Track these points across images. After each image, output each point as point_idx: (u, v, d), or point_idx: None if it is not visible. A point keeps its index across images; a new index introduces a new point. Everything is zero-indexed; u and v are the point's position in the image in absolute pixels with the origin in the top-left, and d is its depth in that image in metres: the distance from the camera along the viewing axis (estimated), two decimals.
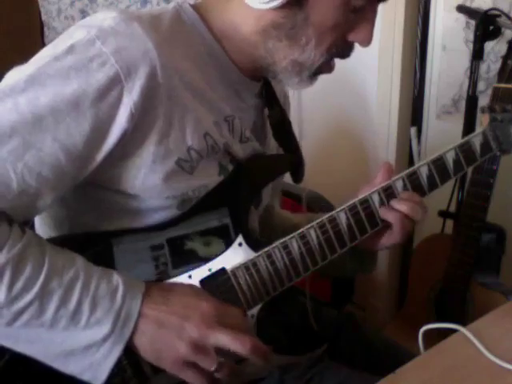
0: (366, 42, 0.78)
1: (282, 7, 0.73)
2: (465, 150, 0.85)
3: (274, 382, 0.84)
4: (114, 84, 0.68)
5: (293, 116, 0.95)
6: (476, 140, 0.86)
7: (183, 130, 0.74)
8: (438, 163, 0.84)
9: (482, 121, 0.88)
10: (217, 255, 0.78)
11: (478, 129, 0.88)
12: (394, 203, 0.82)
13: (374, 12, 0.77)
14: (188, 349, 0.68)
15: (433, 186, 0.84)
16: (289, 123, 0.93)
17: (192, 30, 0.78)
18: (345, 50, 0.80)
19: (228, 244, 0.78)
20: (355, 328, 1.03)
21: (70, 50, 0.68)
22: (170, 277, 0.77)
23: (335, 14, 0.74)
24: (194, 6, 0.80)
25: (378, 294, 2.05)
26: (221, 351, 0.69)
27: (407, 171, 0.83)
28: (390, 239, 0.85)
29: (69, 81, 0.67)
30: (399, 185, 0.82)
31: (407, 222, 0.82)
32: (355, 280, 1.84)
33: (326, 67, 0.80)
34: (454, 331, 0.81)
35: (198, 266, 0.77)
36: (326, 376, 0.85)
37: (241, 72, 0.82)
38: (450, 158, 0.84)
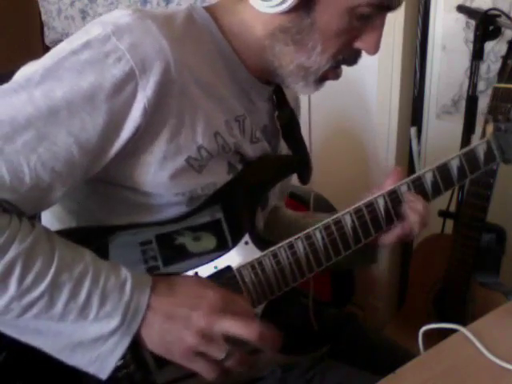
0: (372, 50, 0.78)
1: (289, 12, 0.74)
2: (469, 157, 0.86)
3: (276, 381, 0.84)
4: (129, 79, 0.69)
5: (303, 119, 0.95)
6: (480, 149, 0.87)
7: (194, 127, 0.75)
8: (443, 170, 0.85)
9: (486, 130, 0.89)
10: (209, 251, 0.78)
11: (480, 134, 0.89)
12: (415, 204, 0.83)
13: (382, 20, 0.77)
14: (196, 338, 0.68)
15: (436, 192, 0.85)
16: (297, 125, 0.93)
17: (203, 28, 0.79)
18: (351, 58, 0.80)
19: (220, 239, 0.79)
20: (356, 328, 1.04)
21: (87, 45, 0.69)
22: (161, 272, 0.77)
23: (341, 21, 0.74)
24: (206, 8, 0.81)
25: (377, 293, 2.05)
26: (230, 340, 0.69)
27: (412, 177, 0.84)
28: (393, 235, 0.85)
29: (84, 75, 0.68)
30: (404, 190, 0.83)
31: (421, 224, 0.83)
32: (355, 280, 1.85)
33: (333, 74, 0.81)
34: (454, 331, 0.81)
35: (202, 264, 0.78)
36: (327, 375, 0.85)
37: (250, 73, 0.82)
38: (454, 165, 0.85)
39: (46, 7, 2.89)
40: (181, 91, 0.73)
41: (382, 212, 0.82)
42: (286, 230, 0.99)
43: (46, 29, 2.95)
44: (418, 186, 0.84)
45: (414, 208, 0.83)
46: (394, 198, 0.83)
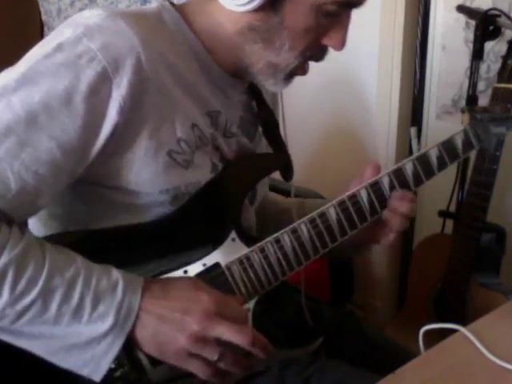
0: (339, 46, 0.79)
1: (257, 10, 0.75)
2: (447, 147, 0.88)
3: (274, 378, 0.84)
4: (103, 79, 0.69)
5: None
6: (458, 137, 0.89)
7: (173, 122, 0.76)
8: (422, 160, 0.87)
9: (463, 119, 0.92)
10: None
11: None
12: (396, 205, 0.83)
13: (348, 17, 0.79)
14: (189, 341, 0.69)
15: (418, 181, 0.87)
16: (276, 124, 0.94)
17: (174, 29, 0.79)
18: (319, 54, 0.81)
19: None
20: (355, 327, 1.04)
21: (59, 48, 0.69)
22: None
23: (308, 19, 0.75)
24: (176, 7, 0.81)
25: (377, 293, 2.05)
26: (223, 342, 0.70)
27: (393, 168, 0.86)
28: (385, 237, 0.87)
29: (59, 77, 0.68)
30: (385, 181, 0.85)
31: (405, 222, 0.85)
32: (355, 280, 1.85)
33: (300, 69, 0.82)
34: (454, 331, 0.81)
35: (193, 262, 0.78)
36: (325, 373, 0.85)
37: (224, 71, 0.83)
38: (433, 154, 0.87)
39: (46, 7, 2.89)
40: (157, 88, 0.73)
41: (366, 204, 0.84)
42: (268, 213, 1.01)
43: (45, 29, 2.95)
44: (399, 177, 0.85)
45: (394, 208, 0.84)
46: (376, 189, 0.84)
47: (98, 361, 0.68)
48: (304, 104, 1.97)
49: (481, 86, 1.53)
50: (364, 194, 0.84)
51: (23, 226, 0.72)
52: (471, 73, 1.42)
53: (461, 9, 1.45)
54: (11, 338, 0.68)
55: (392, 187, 0.85)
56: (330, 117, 2.02)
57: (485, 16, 1.34)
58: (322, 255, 0.84)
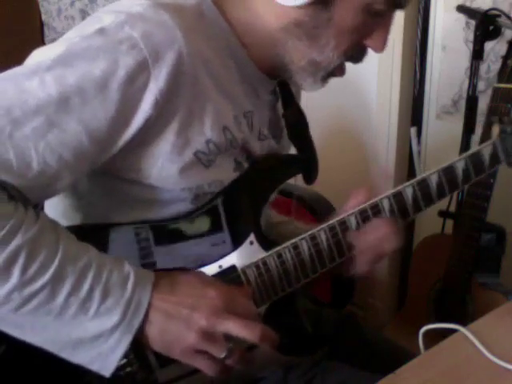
0: (380, 48, 0.78)
1: (307, 6, 0.73)
2: (474, 160, 0.85)
3: (277, 381, 0.84)
4: (142, 69, 0.68)
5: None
6: (485, 151, 0.86)
7: (203, 120, 0.74)
8: (448, 172, 0.84)
9: (492, 132, 0.89)
10: (203, 234, 0.77)
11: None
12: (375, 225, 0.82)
13: (391, 19, 0.78)
14: (197, 338, 0.68)
15: (441, 194, 0.85)
16: (306, 124, 0.92)
17: (212, 23, 0.77)
18: (359, 54, 0.80)
19: (214, 222, 0.78)
20: (355, 328, 1.03)
21: (100, 31, 0.68)
22: (153, 254, 0.76)
23: (357, 17, 0.74)
24: (215, 1, 0.79)
25: (377, 293, 2.05)
26: (231, 338, 0.69)
27: (417, 178, 0.84)
28: (355, 266, 0.84)
29: (97, 61, 0.67)
30: (409, 191, 0.83)
31: (371, 252, 0.83)
32: (355, 281, 1.85)
33: (339, 70, 0.81)
34: (454, 331, 0.81)
35: (209, 263, 0.78)
36: (327, 375, 0.85)
37: (258, 69, 0.82)
38: (459, 167, 0.85)
39: (46, 7, 2.89)
40: (192, 82, 0.72)
41: (387, 213, 0.83)
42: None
43: (45, 29, 2.95)
44: (423, 188, 0.84)
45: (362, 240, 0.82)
46: (398, 199, 0.83)
47: (105, 357, 0.67)
48: (303, 104, 1.97)
49: (481, 85, 1.53)
50: (386, 204, 0.82)
51: (38, 208, 0.70)
52: (471, 73, 1.42)
53: (461, 9, 1.45)
54: (16, 331, 0.66)
55: (415, 198, 0.83)
56: (330, 117, 2.02)
57: (485, 16, 1.34)
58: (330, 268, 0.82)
